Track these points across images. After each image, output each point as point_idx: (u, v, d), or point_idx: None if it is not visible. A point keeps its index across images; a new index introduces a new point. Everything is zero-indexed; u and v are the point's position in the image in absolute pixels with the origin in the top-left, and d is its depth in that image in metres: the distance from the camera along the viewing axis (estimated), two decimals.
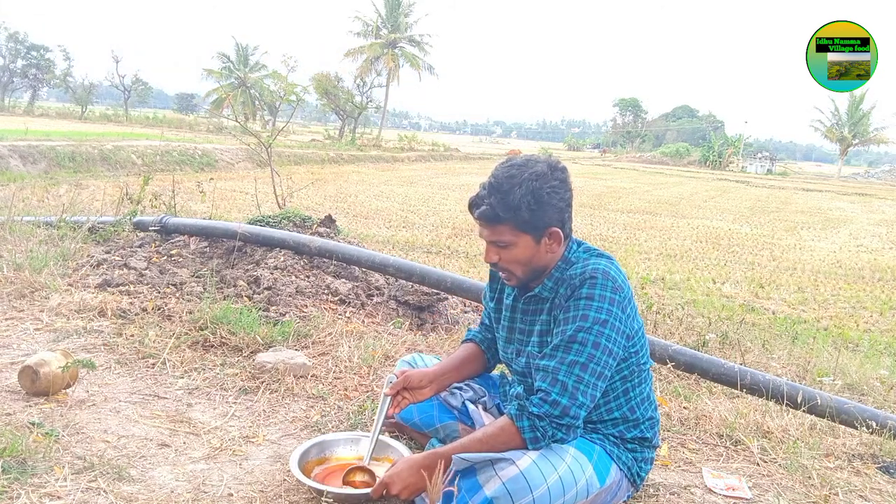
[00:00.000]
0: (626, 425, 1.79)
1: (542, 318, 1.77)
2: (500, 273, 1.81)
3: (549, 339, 1.72)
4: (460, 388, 2.08)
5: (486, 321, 2.08)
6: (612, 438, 1.79)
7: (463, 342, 2.13)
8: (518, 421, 1.63)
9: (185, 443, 2.01)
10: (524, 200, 1.64)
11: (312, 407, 2.36)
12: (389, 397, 1.89)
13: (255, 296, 3.44)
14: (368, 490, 1.65)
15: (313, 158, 22.88)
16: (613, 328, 1.64)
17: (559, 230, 1.71)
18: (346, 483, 1.78)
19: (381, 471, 1.80)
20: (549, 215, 1.68)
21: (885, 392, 3.41)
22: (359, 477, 1.79)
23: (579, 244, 1.81)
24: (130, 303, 3.19)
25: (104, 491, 1.68)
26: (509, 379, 2.11)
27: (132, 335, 2.83)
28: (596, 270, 1.67)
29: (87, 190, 9.45)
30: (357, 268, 3.94)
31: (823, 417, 2.61)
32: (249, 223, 4.39)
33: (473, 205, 1.72)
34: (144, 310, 3.11)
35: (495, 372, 2.26)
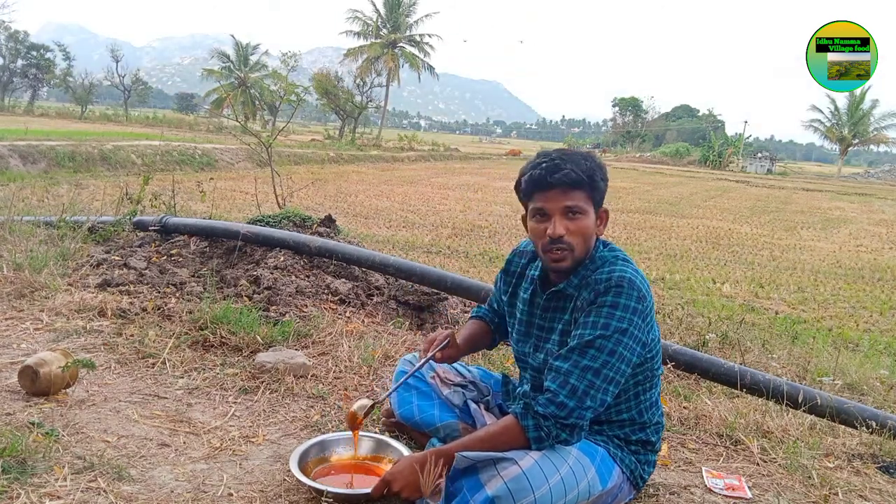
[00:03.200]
0: (633, 427, 1.80)
1: (565, 318, 1.76)
2: (557, 251, 1.70)
3: (568, 340, 1.71)
4: (464, 387, 2.08)
5: (495, 305, 2.11)
6: (616, 440, 1.79)
7: (472, 318, 2.17)
8: (523, 420, 1.63)
9: (185, 443, 2.01)
10: (597, 170, 1.70)
11: (312, 407, 2.36)
12: (430, 358, 1.94)
13: (255, 296, 3.44)
14: (368, 490, 1.65)
15: (313, 158, 22.87)
16: (632, 337, 1.64)
17: (608, 211, 1.78)
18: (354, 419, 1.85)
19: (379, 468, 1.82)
20: (604, 194, 1.75)
21: (885, 392, 3.41)
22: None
23: (605, 244, 1.81)
24: (130, 303, 3.19)
25: (104, 491, 1.68)
26: (512, 378, 2.12)
27: (132, 335, 2.83)
28: (622, 279, 1.66)
29: (87, 190, 9.45)
30: (357, 268, 3.94)
31: (823, 417, 2.61)
32: (249, 223, 4.39)
33: (550, 171, 1.67)
34: (144, 310, 3.11)
35: (496, 372, 2.26)
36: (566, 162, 1.68)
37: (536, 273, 1.87)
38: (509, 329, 1.99)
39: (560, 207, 1.68)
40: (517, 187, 1.78)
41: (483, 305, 2.21)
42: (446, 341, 1.95)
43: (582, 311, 1.69)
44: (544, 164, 1.69)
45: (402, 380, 1.96)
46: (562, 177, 1.66)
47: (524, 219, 1.79)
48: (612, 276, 1.67)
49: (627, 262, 1.74)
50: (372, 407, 1.88)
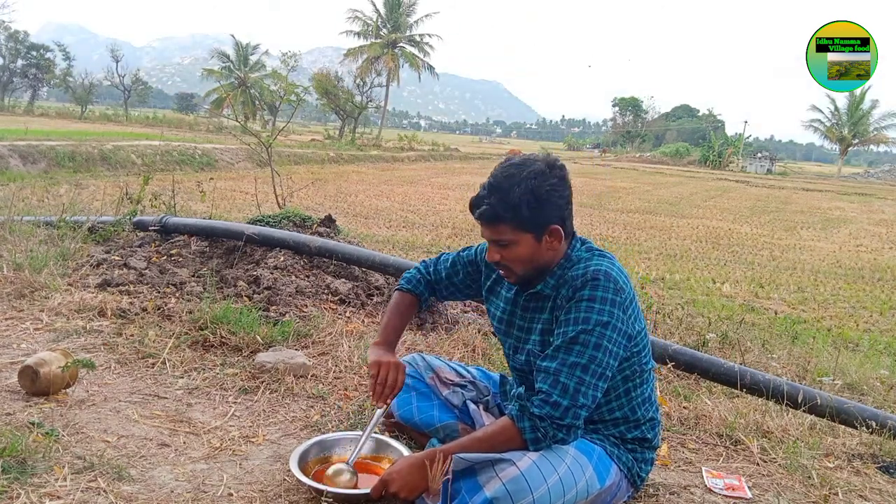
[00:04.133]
0: (627, 426, 1.79)
1: (544, 318, 1.77)
2: (501, 271, 1.81)
3: (550, 339, 1.72)
4: (463, 387, 2.09)
5: (443, 274, 2.05)
6: (612, 439, 1.79)
7: (402, 290, 2.09)
8: (519, 422, 1.63)
9: (185, 443, 2.01)
10: (524, 199, 1.64)
11: (312, 407, 2.36)
12: (381, 409, 1.88)
13: (255, 296, 3.44)
14: (368, 490, 1.65)
15: (313, 158, 22.87)
16: (615, 329, 1.64)
17: (560, 228, 1.71)
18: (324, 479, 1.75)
19: (367, 478, 1.79)
20: (550, 213, 1.69)
21: (885, 392, 3.41)
22: (344, 477, 1.74)
23: (583, 242, 1.81)
24: (130, 303, 3.19)
25: (104, 491, 1.68)
26: (510, 378, 2.12)
27: (132, 335, 2.83)
28: (598, 272, 1.67)
29: (87, 190, 9.45)
30: (357, 267, 3.94)
31: (823, 417, 2.61)
32: (249, 223, 4.39)
33: (474, 205, 1.72)
34: (144, 310, 3.11)
35: (496, 372, 2.26)
36: (492, 194, 1.67)
37: None
38: (493, 327, 1.98)
39: (489, 237, 1.73)
40: None
41: (418, 271, 2.11)
42: (401, 385, 1.88)
43: (562, 309, 1.69)
44: (473, 197, 1.73)
45: (368, 431, 1.84)
46: (480, 214, 1.70)
47: None
48: (587, 270, 1.68)
49: (604, 257, 1.75)
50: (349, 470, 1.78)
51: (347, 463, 1.80)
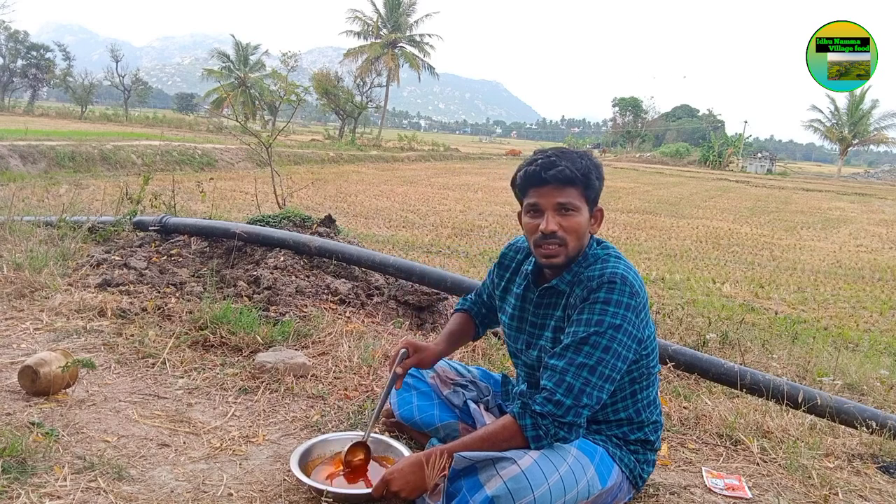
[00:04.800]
0: (631, 427, 1.80)
1: (557, 315, 1.77)
2: (549, 246, 1.71)
3: (562, 337, 1.71)
4: (464, 387, 2.08)
5: (484, 296, 2.12)
6: (615, 440, 1.79)
7: (456, 311, 2.17)
8: (521, 419, 1.63)
9: (185, 443, 2.01)
10: (592, 169, 1.71)
11: (312, 407, 2.36)
12: (395, 375, 1.93)
13: (255, 296, 3.44)
14: (369, 490, 1.65)
15: (313, 158, 22.87)
16: (626, 333, 1.64)
17: (602, 210, 1.79)
18: (345, 461, 1.84)
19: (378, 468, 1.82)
20: (600, 192, 1.75)
21: (885, 392, 3.41)
22: (357, 456, 1.85)
23: (598, 241, 1.81)
24: (130, 303, 3.19)
25: (104, 491, 1.68)
26: (511, 378, 2.12)
27: (132, 335, 2.83)
28: (615, 275, 1.66)
29: (87, 190, 9.45)
30: (357, 268, 3.93)
31: (823, 417, 2.61)
32: (249, 223, 4.39)
33: (544, 167, 1.69)
34: (144, 310, 3.11)
35: (496, 372, 2.26)
36: (562, 159, 1.69)
37: (530, 268, 1.87)
38: (501, 326, 1.99)
39: (553, 203, 1.70)
40: (513, 183, 1.79)
41: (470, 295, 2.20)
42: (400, 354, 1.95)
43: (575, 308, 1.69)
44: (540, 161, 1.71)
45: (377, 412, 1.91)
46: (556, 173, 1.67)
47: (520, 215, 1.81)
48: (604, 272, 1.67)
49: (620, 259, 1.75)
50: (358, 445, 1.87)
51: (363, 438, 1.87)
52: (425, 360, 1.99)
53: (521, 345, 1.88)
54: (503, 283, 1.98)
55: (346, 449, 1.86)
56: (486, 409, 2.03)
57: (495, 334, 3.23)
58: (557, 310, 1.77)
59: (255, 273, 3.68)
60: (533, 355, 1.82)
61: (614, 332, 1.62)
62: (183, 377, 2.50)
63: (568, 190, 1.69)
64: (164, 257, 4.07)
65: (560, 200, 1.69)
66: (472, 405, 2.00)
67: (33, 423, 1.96)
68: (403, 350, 1.95)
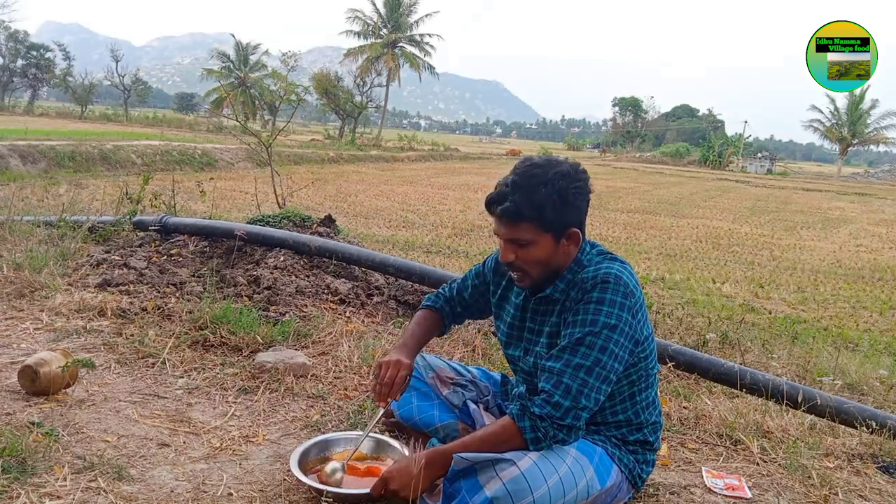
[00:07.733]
0: (630, 428, 1.79)
1: (552, 320, 1.76)
2: (513, 273, 1.77)
3: (558, 342, 1.71)
4: (464, 387, 2.08)
5: (465, 294, 2.06)
6: (614, 440, 1.79)
7: (425, 308, 2.11)
8: (520, 421, 1.63)
9: (185, 442, 2.01)
10: (550, 199, 1.63)
11: (312, 407, 2.36)
12: (382, 408, 1.88)
13: (255, 295, 3.44)
14: (368, 490, 1.65)
15: (313, 158, 22.85)
16: (623, 333, 1.64)
17: (578, 231, 1.71)
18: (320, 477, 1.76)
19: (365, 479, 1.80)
20: (571, 216, 1.68)
21: (885, 392, 3.41)
22: (336, 476, 1.75)
23: (592, 246, 1.80)
24: (130, 302, 3.19)
25: (104, 491, 1.68)
26: (511, 378, 2.11)
27: (132, 335, 2.83)
28: (608, 275, 1.66)
29: (87, 189, 9.44)
30: (357, 267, 3.94)
31: (823, 417, 2.61)
32: (249, 223, 4.39)
33: (494, 201, 1.67)
34: (144, 309, 3.11)
35: (496, 372, 2.26)
36: (516, 191, 1.64)
37: None
38: (498, 333, 1.98)
39: (506, 237, 1.69)
40: None
41: (443, 291, 2.13)
42: (405, 381, 1.87)
43: (570, 311, 1.68)
44: (494, 193, 1.69)
45: (370, 428, 1.89)
46: (503, 210, 1.65)
47: None
48: (597, 273, 1.67)
49: (615, 260, 1.74)
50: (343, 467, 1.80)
51: (342, 463, 1.80)
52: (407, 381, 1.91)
53: (519, 352, 1.87)
54: (499, 291, 1.96)
55: (327, 469, 1.77)
56: (486, 409, 2.03)
57: (496, 334, 3.23)
58: (553, 315, 1.76)
59: (255, 273, 3.68)
60: (530, 362, 1.82)
61: (609, 331, 1.62)
62: (183, 377, 2.50)
63: (520, 225, 1.66)
64: (164, 257, 4.07)
65: (510, 237, 1.68)
66: (472, 405, 2.00)
67: (33, 423, 1.96)
68: (406, 379, 1.88)
